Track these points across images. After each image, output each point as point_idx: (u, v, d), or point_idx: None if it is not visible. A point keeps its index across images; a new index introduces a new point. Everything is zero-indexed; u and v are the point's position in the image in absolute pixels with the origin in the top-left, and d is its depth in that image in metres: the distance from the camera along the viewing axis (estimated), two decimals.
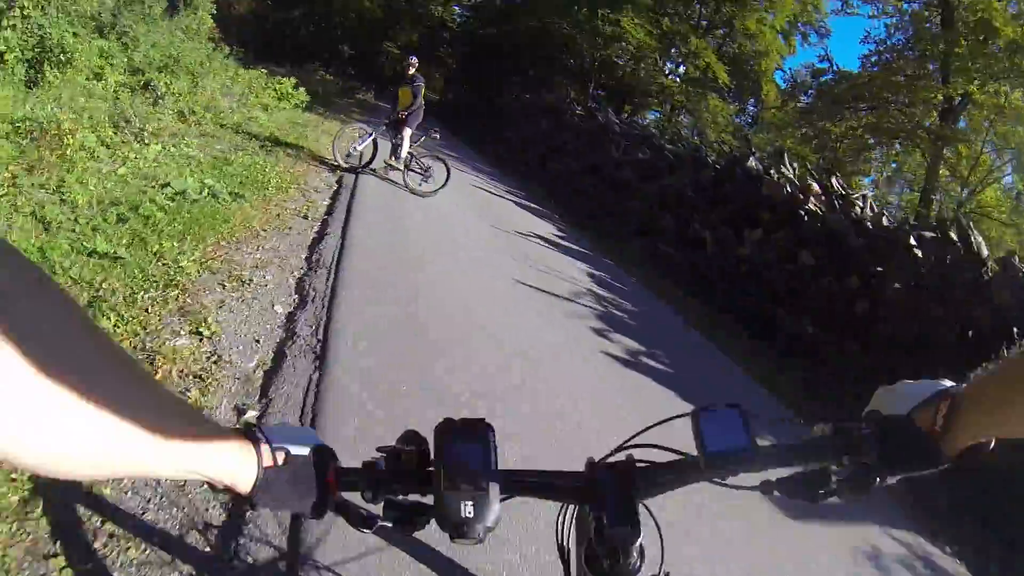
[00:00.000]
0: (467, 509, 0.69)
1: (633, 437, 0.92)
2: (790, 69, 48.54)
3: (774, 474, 0.84)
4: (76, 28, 8.89)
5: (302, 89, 14.21)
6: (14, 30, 8.10)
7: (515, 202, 11.34)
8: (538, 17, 29.92)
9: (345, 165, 8.84)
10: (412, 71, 9.07)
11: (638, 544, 0.76)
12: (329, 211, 6.33)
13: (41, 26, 8.28)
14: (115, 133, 6.74)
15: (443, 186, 8.62)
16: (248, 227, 5.03)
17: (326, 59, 28.79)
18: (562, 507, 0.95)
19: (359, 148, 8.94)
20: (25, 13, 8.33)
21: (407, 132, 8.80)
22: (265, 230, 5.11)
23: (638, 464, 0.84)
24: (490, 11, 39.88)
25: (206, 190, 5.57)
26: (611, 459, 0.86)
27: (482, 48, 37.29)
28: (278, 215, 5.64)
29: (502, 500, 0.74)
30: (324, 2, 28.30)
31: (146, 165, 6.13)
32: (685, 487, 0.84)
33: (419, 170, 8.81)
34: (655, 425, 0.91)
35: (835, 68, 24.43)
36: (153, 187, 5.45)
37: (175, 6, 14.57)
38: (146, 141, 6.88)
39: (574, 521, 0.95)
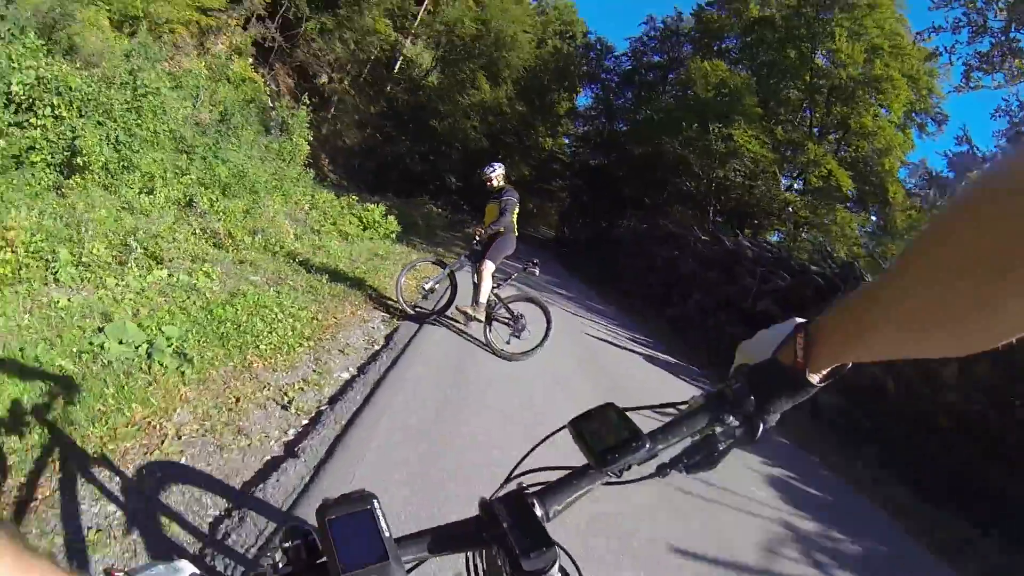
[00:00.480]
0: None
1: (518, 464, 0.93)
2: (918, 163, 44.43)
3: (665, 456, 0.86)
4: (123, 135, 7.60)
5: (392, 218, 12.61)
6: (44, 131, 6.89)
7: (641, 354, 8.76)
8: (648, 139, 29.31)
9: (410, 311, 6.53)
10: (496, 183, 6.61)
11: (558, 566, 0.73)
12: (340, 394, 3.78)
13: (73, 129, 7.02)
14: (110, 252, 5.00)
15: (541, 344, 5.94)
16: (151, 428, 2.66)
17: (433, 191, 28.18)
18: (469, 558, 0.91)
19: (429, 287, 6.64)
20: (58, 113, 7.14)
21: (487, 267, 6.22)
22: (184, 435, 2.70)
23: (532, 488, 0.83)
24: (598, 139, 39.57)
25: (144, 346, 3.44)
26: (502, 492, 0.84)
27: (593, 178, 36.85)
28: (236, 400, 3.18)
29: (410, 569, 0.75)
30: (429, 133, 27.85)
31: (121, 296, 4.25)
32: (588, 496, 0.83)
33: (506, 320, 6.23)
34: (536, 446, 0.94)
35: (975, 150, 21.04)
36: (83, 333, 3.43)
37: (270, 131, 14.47)
38: (145, 266, 5.08)
39: (486, 568, 0.88)
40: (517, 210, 6.52)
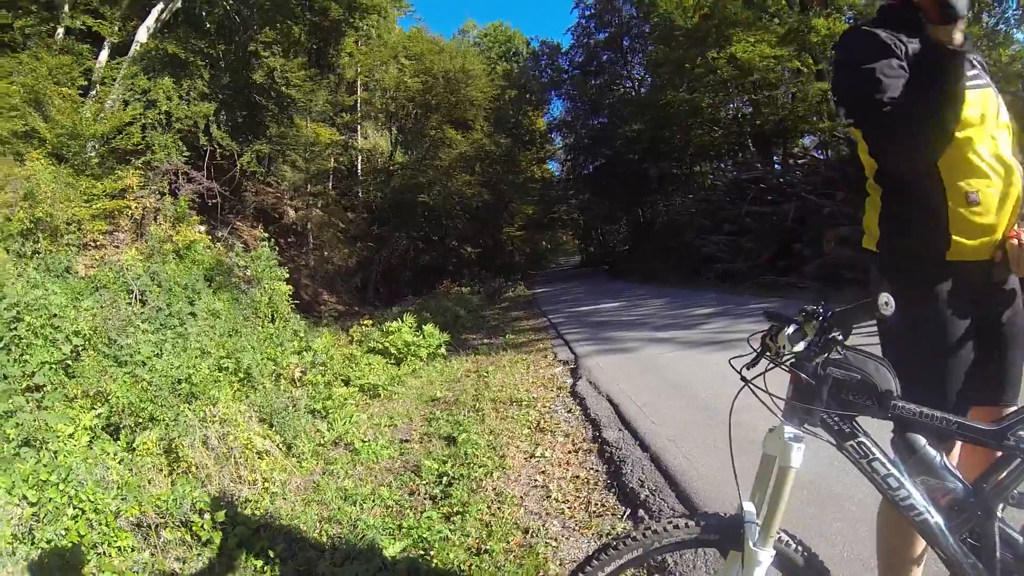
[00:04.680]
0: None
1: None
2: None
3: None
4: None
5: (430, 326, 8.56)
6: None
7: None
8: (648, 106, 27.08)
9: None
10: None
11: None
12: None
13: None
14: None
15: None
16: None
17: (453, 271, 24.55)
18: None
19: None
20: None
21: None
22: None
23: None
24: (588, 140, 36.14)
25: None
26: None
27: (602, 181, 34.34)
28: None
29: None
30: (423, 213, 24.12)
31: None
32: None
33: None
34: None
35: None
36: None
37: (242, 290, 11.04)
38: None
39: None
40: None
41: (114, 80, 13.48)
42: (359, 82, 23.86)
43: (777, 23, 21.56)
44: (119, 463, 3.77)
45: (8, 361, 4.75)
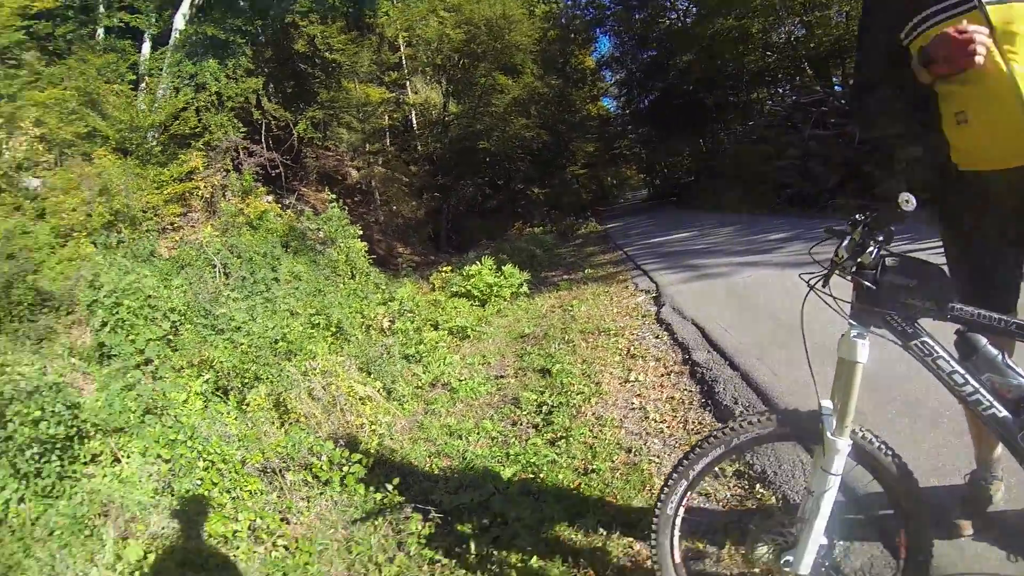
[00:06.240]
0: None
1: None
2: None
3: None
4: None
5: (509, 266, 8.54)
6: None
7: None
8: (702, 33, 25.73)
9: None
10: None
11: None
12: None
13: None
14: None
15: None
16: None
17: (523, 212, 24.47)
18: None
19: None
20: None
21: None
22: None
23: None
24: (640, 74, 35.02)
25: None
26: None
27: (660, 114, 32.98)
28: None
29: None
30: (485, 159, 23.87)
31: None
32: None
33: None
34: None
35: None
36: None
37: (319, 251, 11.20)
38: None
39: None
40: None
41: (160, 70, 13.66)
42: (401, 39, 23.53)
43: None
44: (234, 420, 4.05)
45: (119, 341, 5.06)
